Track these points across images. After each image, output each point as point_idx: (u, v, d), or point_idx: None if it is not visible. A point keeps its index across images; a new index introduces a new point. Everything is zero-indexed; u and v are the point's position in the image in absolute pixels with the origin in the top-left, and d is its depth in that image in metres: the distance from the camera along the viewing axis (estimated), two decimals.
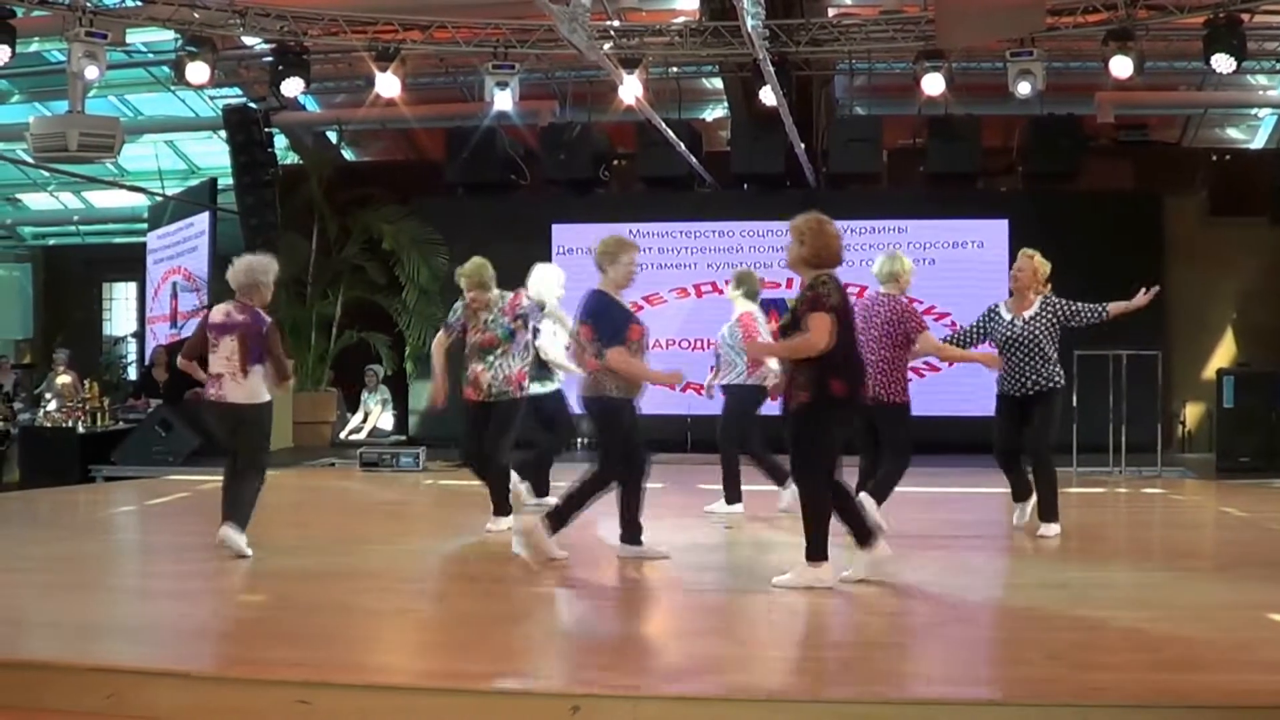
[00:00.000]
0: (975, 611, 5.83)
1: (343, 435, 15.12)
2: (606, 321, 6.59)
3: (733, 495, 8.70)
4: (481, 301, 7.81)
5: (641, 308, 11.91)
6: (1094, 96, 14.24)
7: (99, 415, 12.88)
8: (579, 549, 7.65)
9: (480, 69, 13.20)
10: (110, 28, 11.53)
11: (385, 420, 15.36)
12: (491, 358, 7.75)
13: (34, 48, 14.70)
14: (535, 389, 8.48)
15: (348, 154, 17.54)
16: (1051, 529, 7.59)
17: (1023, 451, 7.78)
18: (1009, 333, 7.72)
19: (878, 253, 7.71)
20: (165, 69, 15.32)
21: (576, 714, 4.19)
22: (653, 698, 4.31)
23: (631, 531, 6.83)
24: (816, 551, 5.98)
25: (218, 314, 7.08)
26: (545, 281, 8.67)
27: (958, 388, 11.95)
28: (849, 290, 6.09)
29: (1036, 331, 7.68)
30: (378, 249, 14.95)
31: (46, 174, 17.63)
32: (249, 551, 6.80)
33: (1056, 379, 7.70)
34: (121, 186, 18.18)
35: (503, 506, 7.91)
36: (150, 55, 15.49)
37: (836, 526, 6.01)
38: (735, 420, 8.65)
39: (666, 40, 13.23)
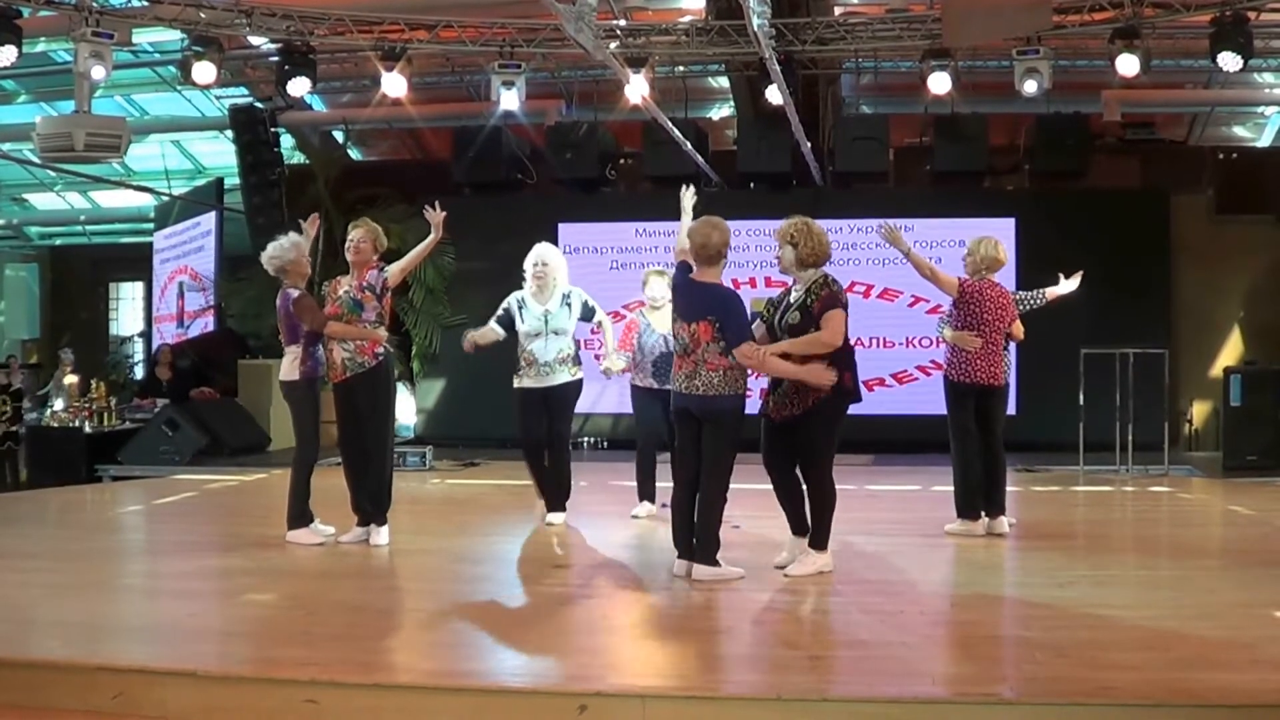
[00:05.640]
0: (985, 610, 5.82)
1: None
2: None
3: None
4: None
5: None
6: (1100, 95, 14.20)
7: (106, 415, 12.90)
8: (583, 549, 7.65)
9: (486, 68, 13.17)
10: (117, 28, 11.50)
11: None
12: None
13: (40, 48, 14.67)
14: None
15: (354, 153, 17.53)
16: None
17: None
18: None
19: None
20: (171, 69, 15.32)
21: (584, 713, 4.18)
22: (662, 696, 4.31)
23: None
24: (822, 540, 6.37)
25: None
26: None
27: None
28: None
29: None
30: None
31: (53, 174, 17.64)
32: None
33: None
34: (128, 186, 18.18)
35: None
36: (156, 55, 15.50)
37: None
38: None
39: (673, 39, 13.21)
